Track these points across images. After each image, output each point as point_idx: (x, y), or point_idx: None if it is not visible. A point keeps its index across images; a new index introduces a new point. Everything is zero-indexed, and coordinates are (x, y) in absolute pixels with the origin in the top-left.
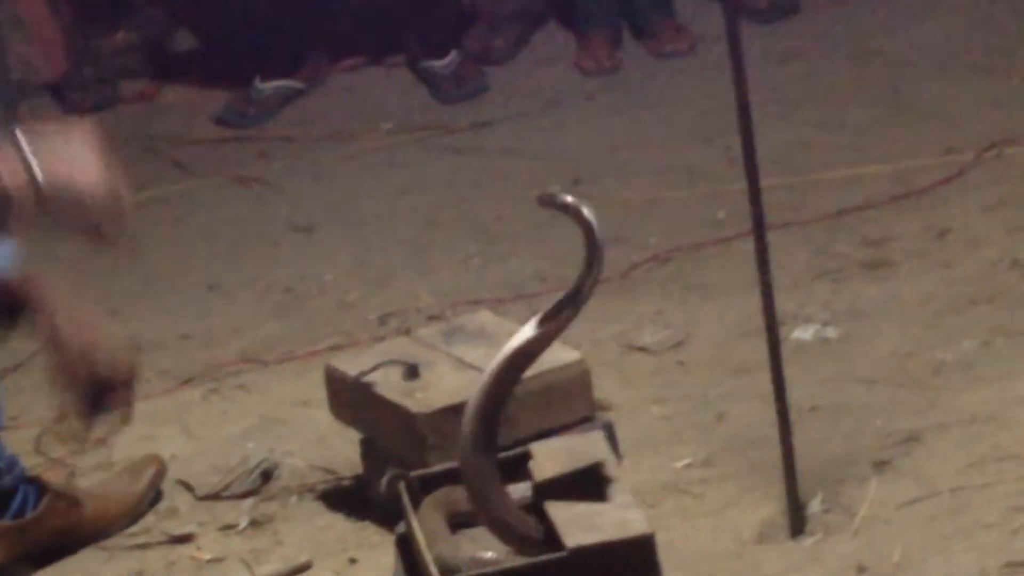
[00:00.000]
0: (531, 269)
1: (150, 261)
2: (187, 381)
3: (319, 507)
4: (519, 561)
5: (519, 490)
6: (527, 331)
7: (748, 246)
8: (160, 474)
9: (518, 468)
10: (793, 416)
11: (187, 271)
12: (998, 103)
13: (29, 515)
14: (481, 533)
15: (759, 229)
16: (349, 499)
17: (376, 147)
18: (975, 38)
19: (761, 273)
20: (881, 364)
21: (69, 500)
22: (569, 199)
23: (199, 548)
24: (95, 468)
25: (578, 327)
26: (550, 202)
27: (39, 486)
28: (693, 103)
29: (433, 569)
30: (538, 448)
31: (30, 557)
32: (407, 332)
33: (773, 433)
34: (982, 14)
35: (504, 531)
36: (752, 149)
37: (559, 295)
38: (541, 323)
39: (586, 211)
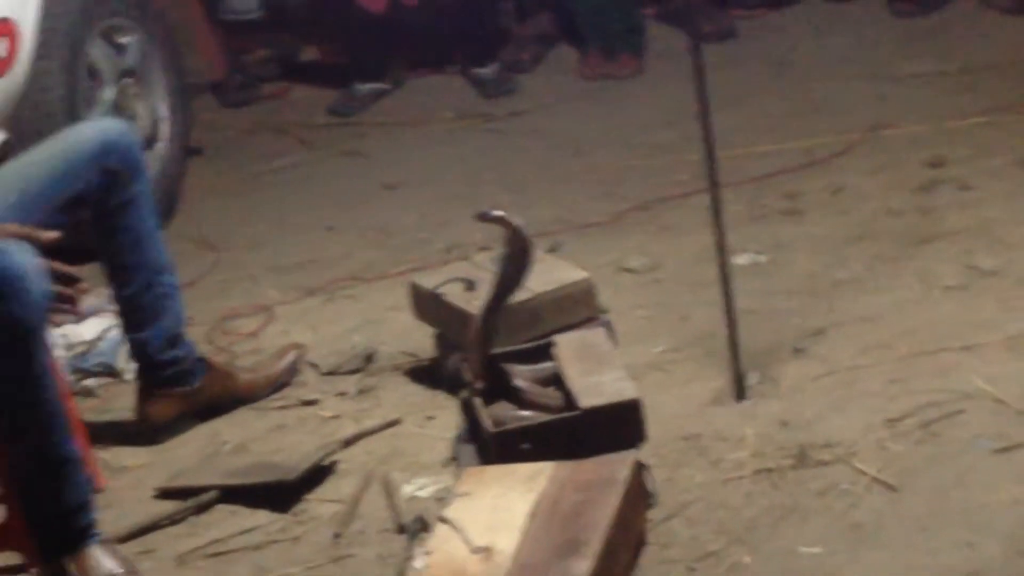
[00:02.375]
0: (550, 214)
1: (285, 209)
2: (312, 292)
3: (405, 380)
4: (548, 417)
5: (546, 368)
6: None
7: (701, 199)
8: (300, 356)
9: (545, 353)
10: (735, 317)
11: (311, 216)
12: (878, 98)
13: (195, 385)
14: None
15: (713, 186)
16: (426, 375)
17: (440, 130)
18: (862, 51)
19: (714, 216)
20: (796, 281)
21: (224, 375)
22: (499, 213)
23: (322, 409)
24: (249, 352)
25: (584, 256)
26: (486, 218)
27: (205, 364)
28: (661, 100)
29: (487, 423)
30: (559, 339)
31: (196, 414)
32: (466, 258)
33: (722, 329)
34: (868, 33)
35: (518, 400)
36: (709, 130)
37: (571, 231)
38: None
39: (515, 220)
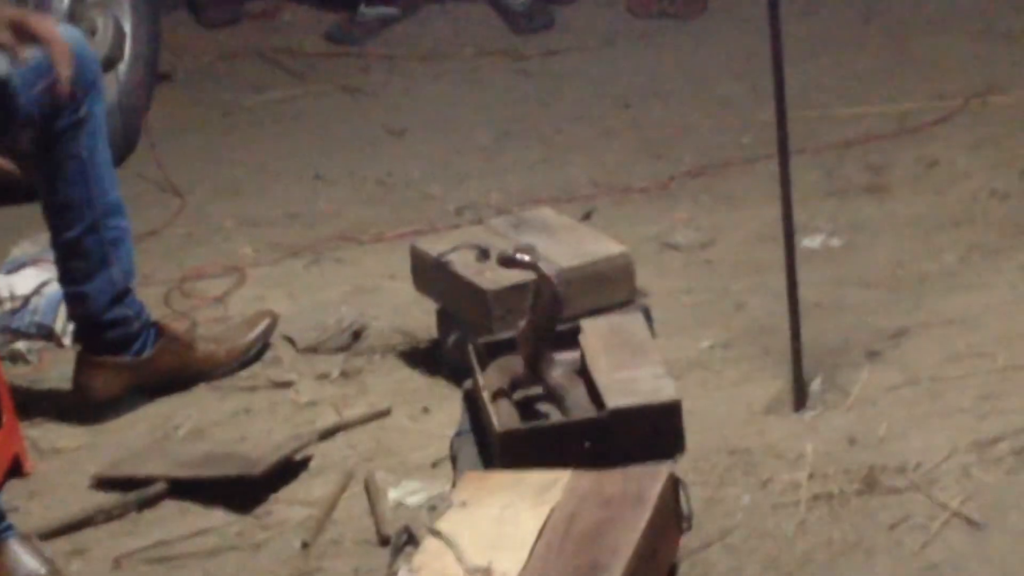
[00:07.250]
0: (585, 176)
1: (267, 152)
2: (293, 253)
3: (399, 363)
4: (566, 419)
5: (569, 358)
6: None
7: (768, 167)
8: (272, 326)
9: (570, 340)
10: (800, 310)
11: (297, 162)
12: (984, 58)
13: (145, 354)
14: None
15: (783, 151)
16: (424, 358)
17: (460, 68)
18: (966, 2)
19: (782, 188)
20: (875, 271)
21: (182, 344)
22: (526, 258)
23: (297, 392)
24: (213, 320)
25: (623, 227)
26: (510, 263)
27: (158, 331)
28: (726, 46)
29: (494, 419)
30: (587, 324)
31: (145, 389)
32: (480, 222)
33: (783, 323)
34: None
35: (556, 395)
36: (782, 83)
37: (609, 197)
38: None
39: (548, 268)
